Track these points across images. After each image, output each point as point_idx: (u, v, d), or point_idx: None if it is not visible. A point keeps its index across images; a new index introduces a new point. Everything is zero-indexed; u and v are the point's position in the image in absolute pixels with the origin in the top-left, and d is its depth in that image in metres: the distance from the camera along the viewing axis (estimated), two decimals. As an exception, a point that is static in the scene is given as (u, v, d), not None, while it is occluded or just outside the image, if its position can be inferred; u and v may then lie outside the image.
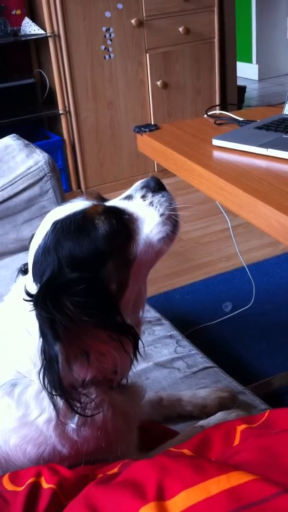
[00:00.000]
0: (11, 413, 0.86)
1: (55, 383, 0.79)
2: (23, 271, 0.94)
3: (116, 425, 0.91)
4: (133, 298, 0.90)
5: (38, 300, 0.79)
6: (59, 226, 0.84)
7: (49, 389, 0.80)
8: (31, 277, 0.86)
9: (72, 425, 0.86)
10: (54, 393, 0.80)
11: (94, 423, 0.88)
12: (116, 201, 0.92)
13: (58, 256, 0.82)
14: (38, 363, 0.82)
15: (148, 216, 0.89)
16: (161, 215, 0.89)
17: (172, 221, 0.90)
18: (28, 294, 0.84)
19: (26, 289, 0.85)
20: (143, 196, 0.91)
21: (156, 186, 0.92)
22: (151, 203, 0.90)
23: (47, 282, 0.81)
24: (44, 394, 0.85)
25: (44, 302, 0.78)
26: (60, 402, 0.82)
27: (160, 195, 0.91)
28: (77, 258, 0.82)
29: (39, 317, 0.79)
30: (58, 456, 0.87)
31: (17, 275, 0.97)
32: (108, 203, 0.91)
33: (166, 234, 0.89)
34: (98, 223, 0.84)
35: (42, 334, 0.79)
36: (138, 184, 0.93)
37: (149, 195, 0.91)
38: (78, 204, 0.87)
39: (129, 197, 0.91)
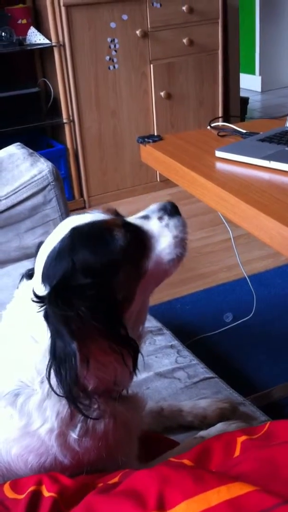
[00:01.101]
0: (13, 423, 0.86)
1: (71, 382, 0.79)
2: (28, 275, 0.95)
3: (118, 436, 0.91)
4: (136, 312, 0.91)
5: (51, 298, 0.80)
6: (77, 232, 0.86)
7: (63, 389, 0.80)
8: (40, 279, 0.87)
9: (73, 435, 0.86)
10: (67, 393, 0.80)
11: (95, 434, 0.88)
12: (133, 218, 0.96)
13: (73, 260, 0.83)
14: (42, 371, 0.83)
15: (163, 236, 0.93)
16: (175, 237, 0.93)
17: (183, 245, 0.94)
18: (36, 296, 0.84)
19: (34, 291, 0.86)
20: (160, 218, 0.95)
21: (172, 210, 0.96)
22: (167, 225, 0.94)
23: (60, 282, 0.82)
24: (47, 404, 0.85)
25: (56, 300, 0.80)
26: (63, 410, 0.83)
27: (176, 219, 0.95)
28: (91, 265, 0.84)
29: (53, 314, 0.80)
30: (59, 466, 0.87)
31: (21, 280, 0.98)
32: (126, 219, 0.94)
33: (176, 256, 0.93)
34: (117, 235, 0.87)
35: (57, 331, 0.79)
36: (155, 206, 0.97)
37: (166, 217, 0.95)
38: (97, 216, 0.90)
39: (146, 217, 0.95)
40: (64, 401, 0.84)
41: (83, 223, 0.87)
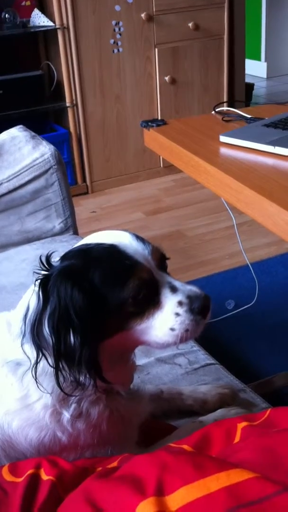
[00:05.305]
0: (13, 394, 0.87)
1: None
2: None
3: (114, 428, 0.92)
4: (115, 350, 0.89)
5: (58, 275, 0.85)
6: (106, 255, 0.85)
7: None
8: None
9: (67, 414, 0.87)
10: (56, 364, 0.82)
11: (89, 419, 0.89)
12: (164, 278, 0.89)
13: (86, 271, 0.84)
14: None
15: (165, 320, 0.86)
16: (172, 329, 0.86)
17: (175, 340, 0.87)
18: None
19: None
20: (180, 302, 0.87)
21: (198, 308, 0.87)
22: (177, 314, 0.86)
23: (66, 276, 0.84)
24: (44, 378, 0.85)
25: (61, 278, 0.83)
26: (57, 388, 0.84)
27: (192, 317, 0.86)
28: (94, 286, 0.83)
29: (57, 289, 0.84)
30: (58, 444, 0.88)
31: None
32: (156, 273, 0.88)
33: (162, 343, 0.88)
34: (132, 285, 0.83)
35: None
36: (191, 289, 0.89)
37: (185, 307, 0.87)
38: (140, 248, 0.87)
39: (173, 289, 0.88)
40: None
41: (121, 249, 0.85)
